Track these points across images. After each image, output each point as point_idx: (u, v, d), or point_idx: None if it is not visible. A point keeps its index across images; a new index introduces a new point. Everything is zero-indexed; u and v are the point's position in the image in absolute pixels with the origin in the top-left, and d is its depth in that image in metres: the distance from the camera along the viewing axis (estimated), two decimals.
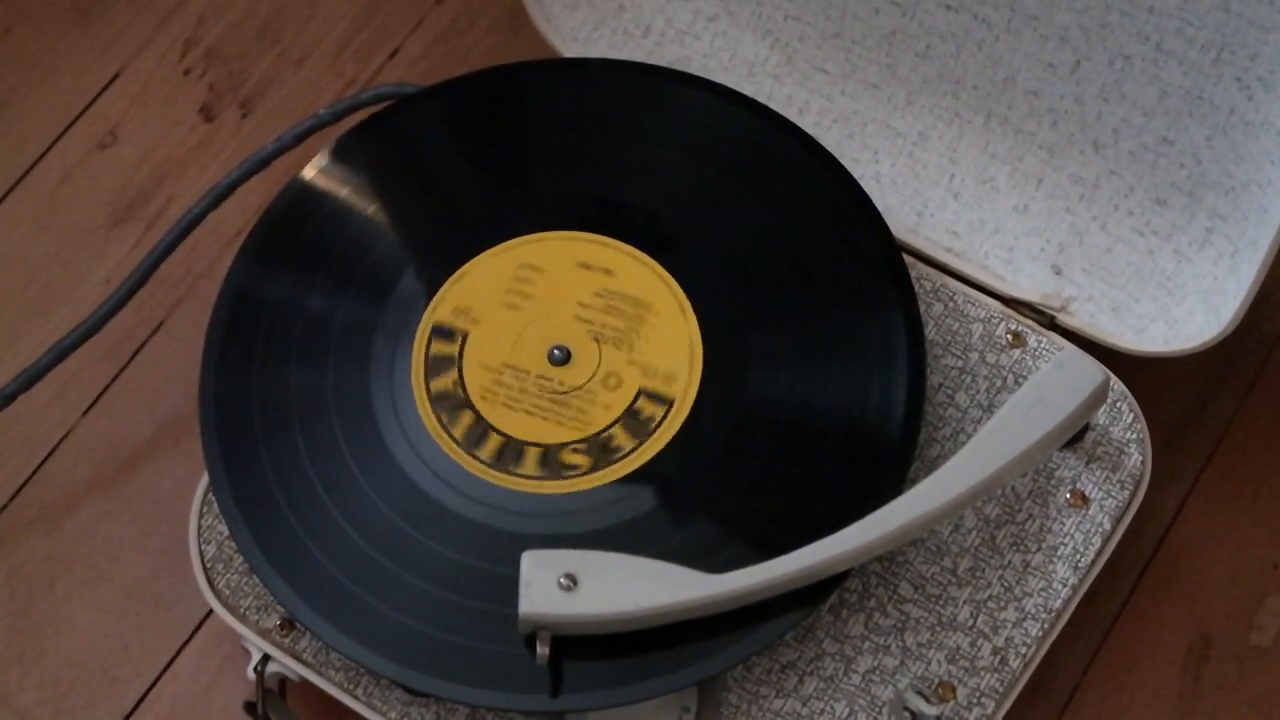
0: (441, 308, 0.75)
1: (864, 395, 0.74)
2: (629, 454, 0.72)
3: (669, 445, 0.72)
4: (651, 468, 0.72)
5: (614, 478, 0.72)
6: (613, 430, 0.73)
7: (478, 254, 0.77)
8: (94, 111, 0.91)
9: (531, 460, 0.72)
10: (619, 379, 0.73)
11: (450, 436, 0.73)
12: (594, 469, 0.72)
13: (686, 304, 0.75)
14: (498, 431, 0.73)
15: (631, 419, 0.73)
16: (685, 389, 0.73)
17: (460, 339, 0.75)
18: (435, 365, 0.74)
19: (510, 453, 0.72)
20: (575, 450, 0.72)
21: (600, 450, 0.72)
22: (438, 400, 0.73)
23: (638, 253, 0.76)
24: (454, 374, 0.74)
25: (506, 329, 0.75)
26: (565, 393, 0.74)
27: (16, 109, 0.91)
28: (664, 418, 0.73)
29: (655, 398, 0.73)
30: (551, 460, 0.72)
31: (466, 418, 0.73)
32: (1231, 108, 0.76)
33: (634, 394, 0.73)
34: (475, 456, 0.72)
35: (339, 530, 0.71)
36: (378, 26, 0.94)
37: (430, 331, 0.75)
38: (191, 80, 0.92)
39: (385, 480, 0.72)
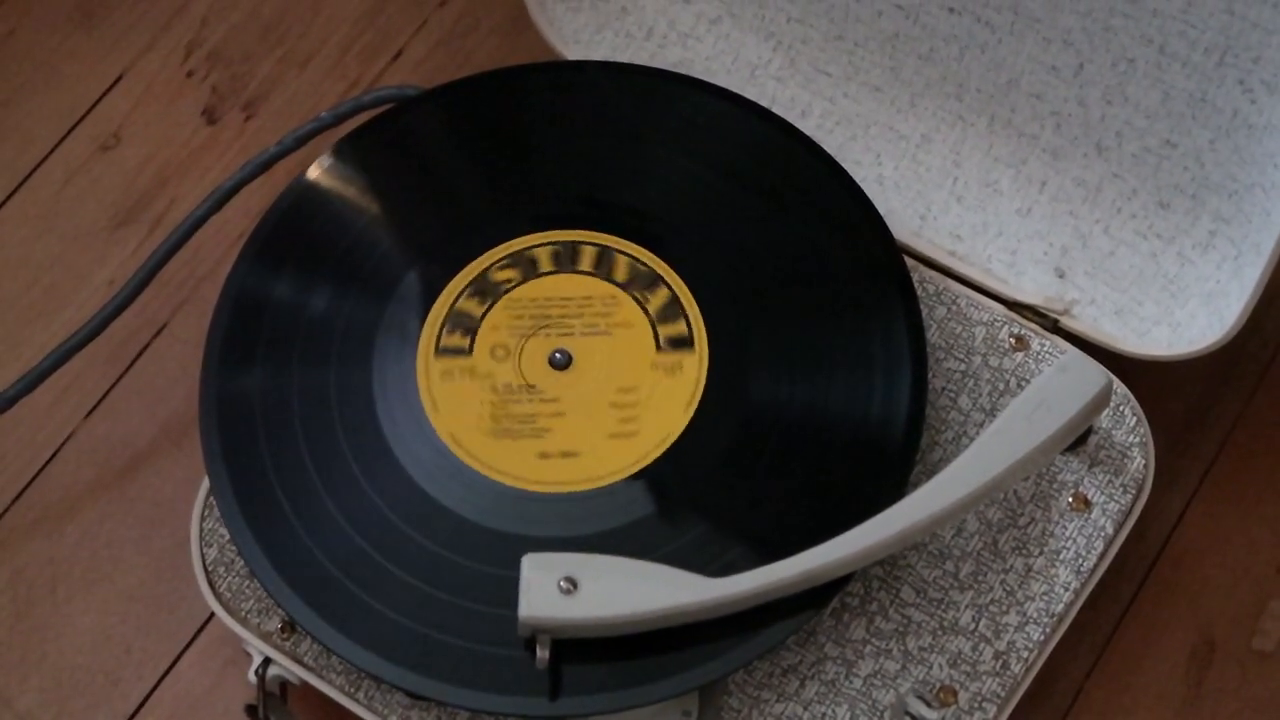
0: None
1: (866, 398, 0.73)
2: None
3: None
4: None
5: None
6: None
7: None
8: (97, 114, 0.92)
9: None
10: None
11: (452, 435, 0.73)
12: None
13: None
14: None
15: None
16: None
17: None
18: (452, 319, 0.75)
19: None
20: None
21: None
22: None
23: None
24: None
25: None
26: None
27: (20, 111, 0.91)
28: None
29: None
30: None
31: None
32: (1235, 111, 0.76)
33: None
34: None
35: (340, 533, 0.71)
36: (381, 29, 0.94)
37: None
38: (194, 83, 0.92)
39: (386, 482, 0.72)
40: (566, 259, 0.76)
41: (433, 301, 0.76)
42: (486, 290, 0.76)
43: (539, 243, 0.77)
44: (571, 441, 0.73)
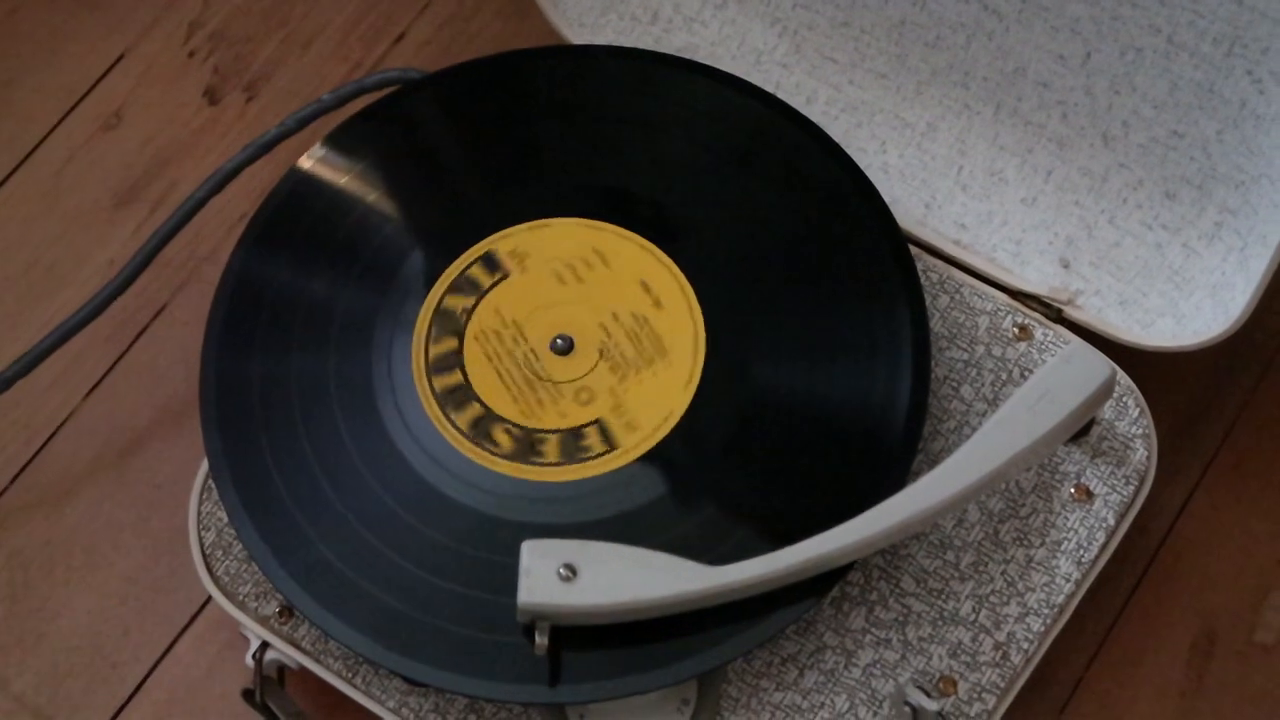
0: (503, 243, 0.75)
1: (869, 387, 0.73)
2: (548, 465, 0.71)
3: (667, 438, 0.72)
4: (655, 457, 0.72)
5: (617, 466, 0.71)
6: (547, 437, 0.72)
7: (481, 239, 0.76)
8: (98, 93, 0.91)
9: (499, 433, 0.72)
10: (590, 397, 0.73)
11: (450, 422, 0.72)
12: (513, 457, 0.71)
13: (692, 295, 0.75)
14: (479, 402, 0.73)
15: (569, 438, 0.72)
16: (640, 440, 0.72)
17: (501, 276, 0.75)
18: (442, 320, 0.74)
19: (482, 428, 0.72)
20: (507, 430, 0.72)
21: (527, 446, 0.72)
22: (436, 364, 0.73)
23: (646, 242, 0.76)
24: (469, 303, 0.74)
25: (540, 294, 0.75)
26: (541, 379, 0.73)
27: (21, 90, 0.91)
28: (598, 455, 0.72)
29: (605, 435, 0.72)
30: (483, 427, 0.72)
31: (455, 377, 0.73)
32: (1242, 101, 0.75)
33: (589, 420, 0.73)
34: (452, 422, 0.72)
35: (338, 518, 0.71)
36: (384, 11, 0.93)
37: (434, 311, 0.74)
38: (196, 63, 0.92)
39: (385, 467, 0.72)
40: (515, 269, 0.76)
41: (431, 285, 0.75)
42: (482, 277, 0.75)
43: (531, 229, 0.76)
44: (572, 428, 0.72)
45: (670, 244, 0.76)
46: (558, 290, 0.75)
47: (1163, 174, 0.79)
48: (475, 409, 0.73)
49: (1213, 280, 0.77)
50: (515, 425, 0.72)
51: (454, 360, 0.74)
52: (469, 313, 0.74)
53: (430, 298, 0.75)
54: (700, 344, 0.74)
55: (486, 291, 0.75)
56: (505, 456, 0.72)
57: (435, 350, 0.74)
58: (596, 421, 0.73)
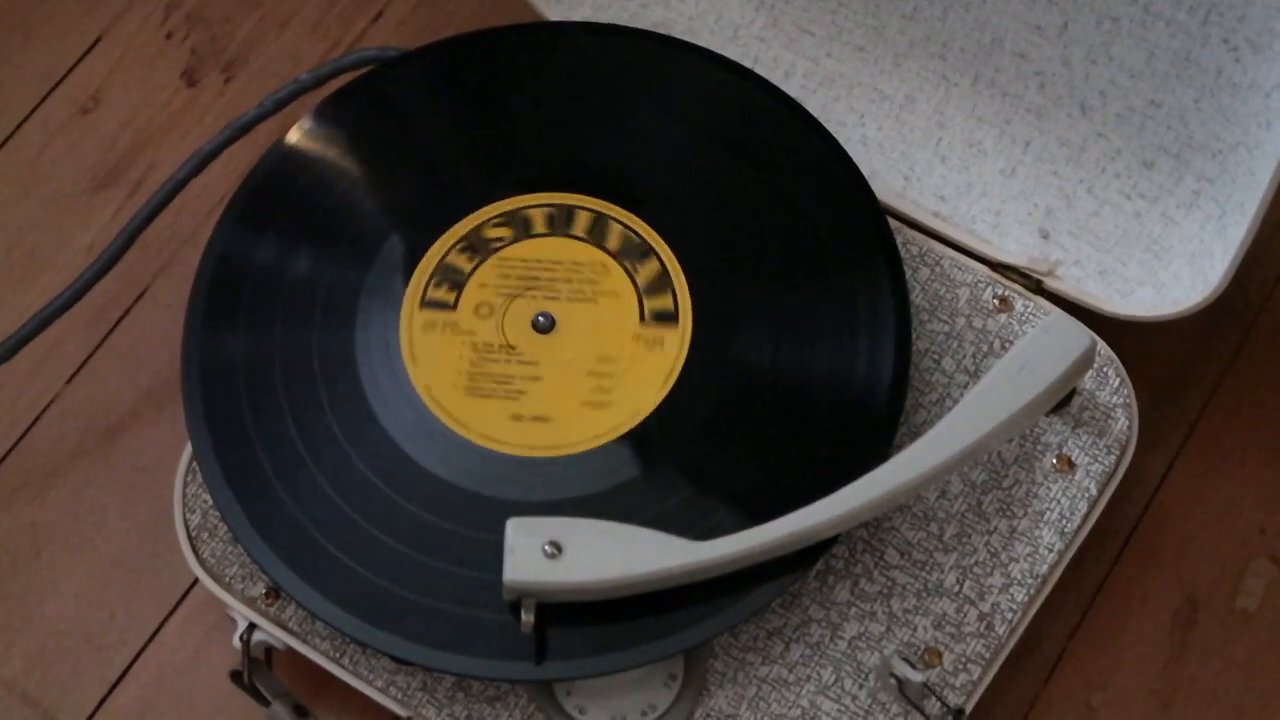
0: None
1: (850, 361, 0.73)
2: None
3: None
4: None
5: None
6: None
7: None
8: (76, 76, 0.91)
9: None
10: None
11: (434, 398, 0.72)
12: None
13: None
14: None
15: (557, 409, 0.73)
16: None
17: (475, 264, 0.75)
18: (441, 271, 0.75)
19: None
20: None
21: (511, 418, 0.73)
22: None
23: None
24: (456, 292, 0.74)
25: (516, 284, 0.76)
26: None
27: None
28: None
29: (595, 405, 0.73)
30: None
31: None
32: (1219, 70, 0.76)
33: (577, 395, 0.73)
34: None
35: (323, 497, 0.71)
36: None
37: (425, 285, 0.75)
38: (174, 44, 0.92)
39: (369, 446, 0.72)
40: (561, 222, 0.76)
41: (415, 264, 0.75)
42: (478, 246, 0.75)
43: (535, 204, 0.76)
44: (544, 406, 0.73)
45: (650, 220, 0.76)
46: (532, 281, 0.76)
47: (1140, 143, 0.79)
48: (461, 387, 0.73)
49: (1191, 249, 0.77)
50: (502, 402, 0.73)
51: (455, 289, 0.74)
52: (469, 273, 0.74)
53: (416, 276, 0.75)
54: (687, 319, 0.74)
55: (482, 262, 0.75)
56: (477, 430, 0.72)
57: (420, 325, 0.74)
58: (586, 395, 0.73)
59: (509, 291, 0.75)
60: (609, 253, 0.76)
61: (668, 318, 0.74)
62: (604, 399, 0.73)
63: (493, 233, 0.76)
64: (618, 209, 0.76)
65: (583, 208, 0.76)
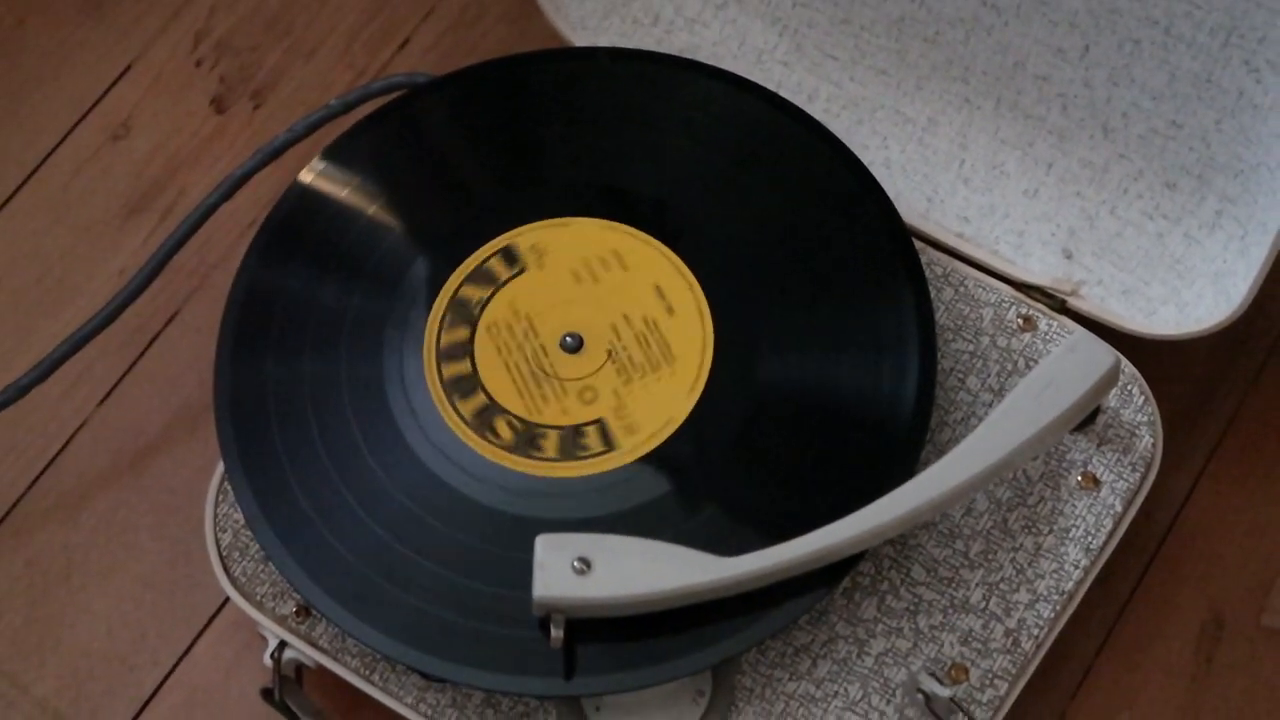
0: (523, 238, 0.76)
1: (875, 380, 0.74)
2: (546, 460, 0.72)
3: (674, 436, 0.72)
4: (666, 452, 0.72)
5: (628, 460, 0.72)
6: (547, 432, 0.73)
7: (489, 241, 0.77)
8: (106, 104, 0.92)
9: (501, 425, 0.73)
10: (594, 396, 0.74)
11: (460, 416, 0.73)
12: (514, 449, 0.72)
13: (700, 292, 0.75)
14: (484, 391, 0.73)
15: (570, 435, 0.73)
16: (639, 444, 0.73)
17: (519, 270, 0.76)
18: (455, 310, 0.75)
19: (487, 418, 0.73)
20: (509, 423, 0.73)
21: (527, 441, 0.72)
22: (446, 354, 0.74)
23: (656, 242, 0.77)
24: (479, 308, 0.75)
25: (555, 291, 0.76)
26: (547, 375, 0.74)
27: (29, 102, 0.92)
28: (597, 454, 0.72)
29: (604, 436, 0.73)
30: (488, 418, 0.73)
31: (464, 367, 0.74)
32: (1240, 91, 0.76)
33: (590, 419, 0.73)
34: (463, 417, 0.73)
35: (353, 516, 0.72)
36: (388, 17, 0.94)
37: (444, 312, 0.75)
38: (203, 72, 0.93)
39: (398, 464, 0.73)
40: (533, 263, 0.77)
41: (439, 288, 0.76)
42: (490, 278, 0.76)
43: (539, 230, 0.77)
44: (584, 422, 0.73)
45: (676, 242, 0.77)
46: (574, 288, 0.76)
47: (1162, 164, 0.80)
48: (480, 399, 0.73)
49: (1214, 268, 0.78)
50: (517, 418, 0.73)
51: (463, 350, 0.75)
52: (483, 304, 0.75)
53: (442, 295, 0.76)
54: (709, 339, 0.75)
55: (503, 284, 0.76)
56: (505, 449, 0.72)
57: (447, 340, 0.75)
58: (598, 421, 0.73)
59: (529, 316, 0.75)
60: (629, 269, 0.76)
61: (690, 322, 0.75)
62: (664, 354, 0.74)
63: (509, 258, 0.76)
64: (642, 233, 0.77)
65: (592, 229, 0.77)
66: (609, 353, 0.75)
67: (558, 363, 0.74)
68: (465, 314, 0.75)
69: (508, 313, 0.75)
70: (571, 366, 0.74)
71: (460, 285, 0.76)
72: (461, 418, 0.73)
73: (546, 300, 0.76)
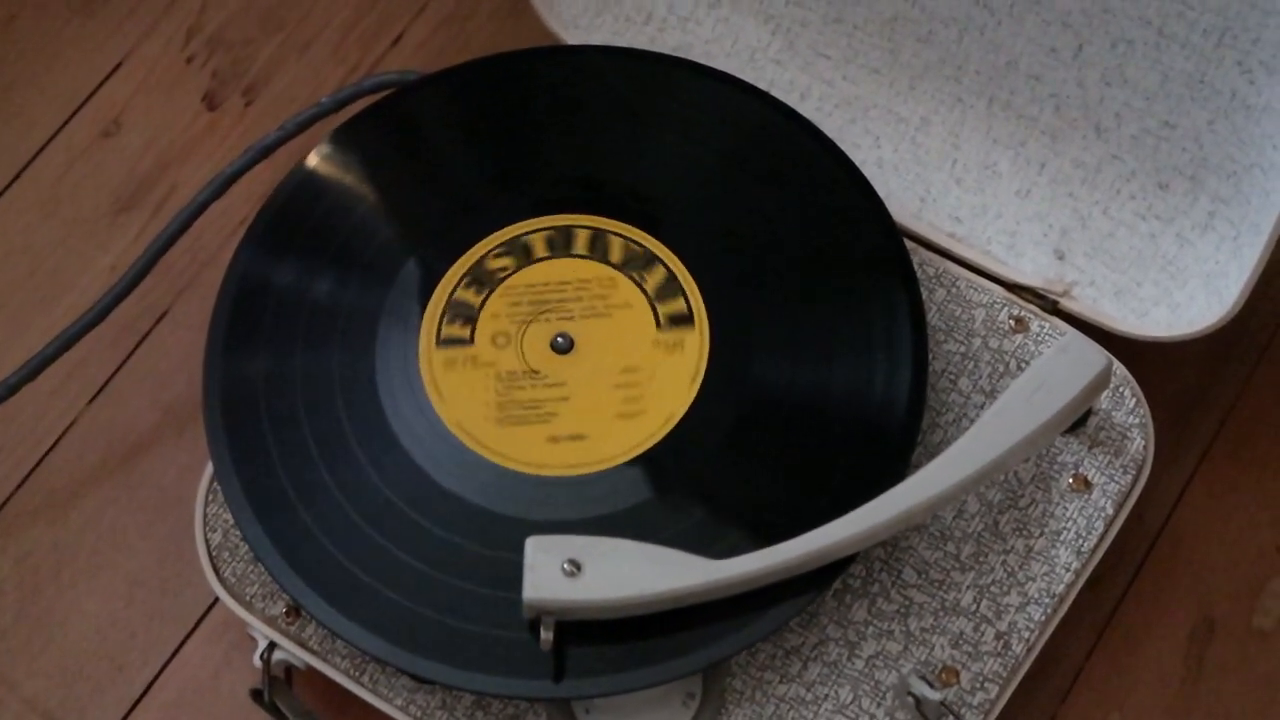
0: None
1: (867, 381, 0.74)
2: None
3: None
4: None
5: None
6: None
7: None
8: (98, 100, 0.92)
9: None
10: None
11: (467, 431, 0.73)
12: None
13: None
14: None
15: (626, 409, 0.73)
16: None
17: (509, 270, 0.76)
18: (453, 309, 0.75)
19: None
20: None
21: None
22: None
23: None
24: (470, 327, 0.75)
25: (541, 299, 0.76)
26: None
27: (20, 97, 0.92)
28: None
29: (623, 415, 0.73)
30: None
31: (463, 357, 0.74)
32: (1233, 91, 0.76)
33: (601, 412, 0.74)
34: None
35: (344, 517, 0.72)
36: (380, 13, 0.94)
37: (443, 309, 0.75)
38: (194, 68, 0.92)
39: (389, 466, 0.72)
40: (561, 244, 0.77)
41: (433, 287, 0.76)
42: (483, 279, 0.76)
43: (533, 229, 0.77)
44: (579, 424, 0.73)
45: (669, 241, 0.76)
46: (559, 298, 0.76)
47: (1155, 165, 0.79)
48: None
49: (1206, 269, 0.78)
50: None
51: (469, 323, 0.75)
52: (480, 307, 0.75)
53: (436, 295, 0.76)
54: (705, 340, 0.74)
55: (494, 291, 0.75)
56: (517, 457, 0.72)
57: (444, 338, 0.75)
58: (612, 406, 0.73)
59: (523, 318, 0.75)
60: (614, 266, 0.76)
61: (683, 320, 0.75)
62: (636, 408, 0.73)
63: (496, 263, 0.76)
64: (626, 225, 0.77)
65: (582, 227, 0.77)
66: (580, 311, 0.75)
67: (552, 368, 0.74)
68: (464, 313, 0.75)
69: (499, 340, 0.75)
70: (565, 368, 0.74)
71: (455, 286, 0.76)
72: (468, 433, 0.73)
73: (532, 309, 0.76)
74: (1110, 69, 0.79)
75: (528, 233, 0.77)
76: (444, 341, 0.75)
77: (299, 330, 0.76)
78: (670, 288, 0.76)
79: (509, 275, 0.76)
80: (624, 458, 0.72)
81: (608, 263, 0.76)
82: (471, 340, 0.75)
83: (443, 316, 0.75)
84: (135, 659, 0.79)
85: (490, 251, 0.76)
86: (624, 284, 0.76)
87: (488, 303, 0.75)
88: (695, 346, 0.74)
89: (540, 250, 0.76)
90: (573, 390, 0.74)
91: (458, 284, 0.76)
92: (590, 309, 0.75)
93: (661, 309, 0.75)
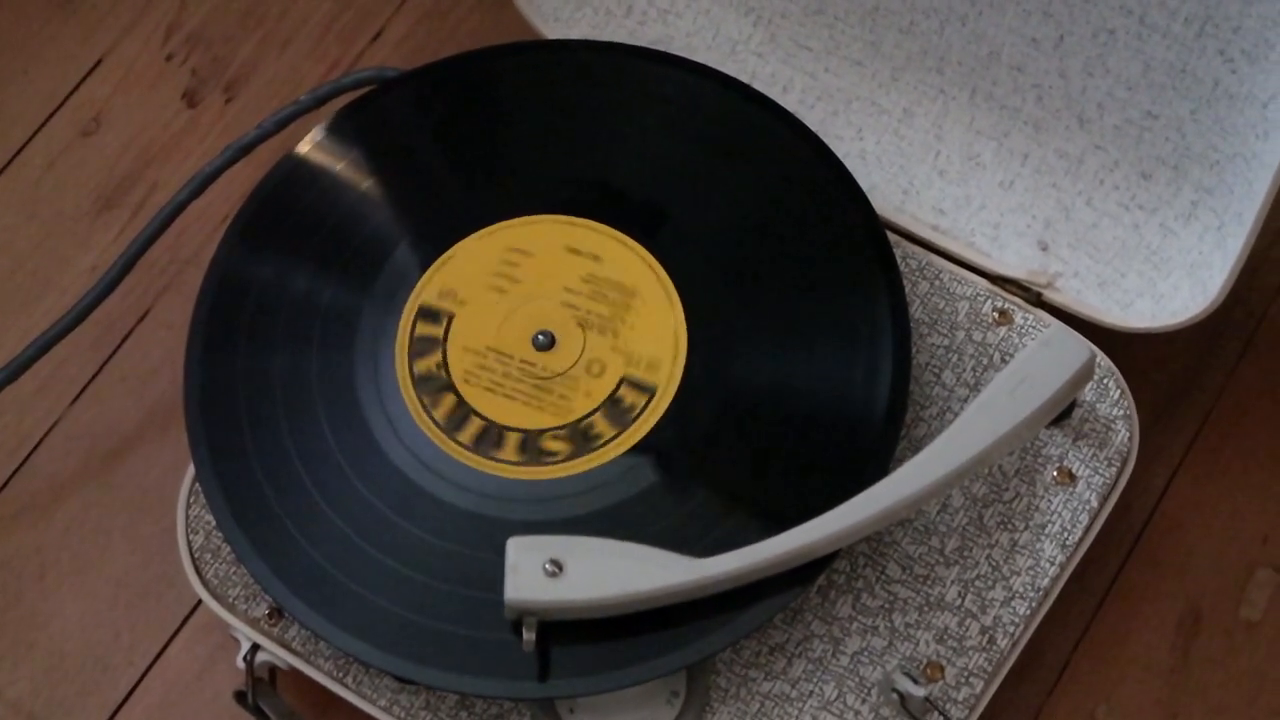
0: (428, 290, 0.75)
1: (850, 375, 0.73)
2: (608, 442, 0.72)
3: (653, 430, 0.72)
4: (638, 451, 0.72)
5: (599, 462, 0.72)
6: (593, 418, 0.72)
7: (464, 237, 0.77)
8: (77, 98, 0.91)
9: (512, 445, 0.72)
10: (602, 366, 0.73)
11: (432, 420, 0.73)
12: (573, 456, 0.72)
13: (671, 287, 0.75)
14: (479, 415, 0.73)
15: (613, 407, 0.73)
16: (669, 375, 0.73)
17: (446, 321, 0.75)
18: (419, 347, 0.74)
19: (490, 437, 0.72)
20: (555, 437, 0.72)
21: (580, 437, 0.72)
22: (421, 383, 0.73)
23: (623, 236, 0.76)
24: (438, 356, 0.74)
25: (492, 312, 0.75)
26: (548, 378, 0.73)
27: None
28: (645, 407, 0.72)
29: (637, 386, 0.73)
30: (531, 446, 0.72)
31: (449, 401, 0.73)
32: (1215, 81, 0.76)
33: (616, 382, 0.73)
34: (456, 440, 0.72)
35: (324, 518, 0.71)
36: (361, 8, 0.93)
37: (415, 314, 0.75)
38: (174, 66, 0.92)
39: (369, 467, 0.72)
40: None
41: (412, 285, 0.75)
42: (436, 314, 0.76)
43: (522, 227, 0.77)
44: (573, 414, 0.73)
45: (649, 237, 0.76)
46: (503, 300, 0.75)
47: (1138, 155, 0.79)
48: (478, 424, 0.73)
49: (1190, 260, 0.77)
50: (561, 428, 0.73)
51: (435, 348, 0.74)
52: (444, 367, 0.74)
53: (414, 297, 0.75)
54: (681, 336, 0.74)
55: (445, 342, 0.75)
56: (472, 449, 0.72)
57: (419, 344, 0.74)
58: (622, 380, 0.73)
59: (505, 312, 0.75)
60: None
61: (664, 335, 0.75)
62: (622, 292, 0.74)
63: (439, 302, 0.76)
64: (613, 229, 0.77)
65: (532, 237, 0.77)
66: (580, 324, 0.74)
67: (546, 363, 0.74)
68: (436, 318, 0.75)
69: (470, 358, 0.74)
70: (559, 359, 0.74)
71: (431, 284, 0.75)
72: (433, 419, 0.73)
73: (493, 324, 0.75)
74: (1092, 59, 0.78)
75: (515, 229, 0.76)
76: (422, 334, 0.74)
77: (279, 329, 0.75)
78: (650, 283, 0.75)
79: (453, 317, 0.75)
80: (601, 459, 0.71)
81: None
82: (449, 334, 0.74)
83: (423, 309, 0.75)
84: (119, 661, 0.79)
85: (421, 305, 0.75)
86: (613, 285, 0.75)
87: (469, 297, 0.75)
88: (674, 347, 0.74)
89: (529, 249, 0.76)
90: (549, 388, 0.73)
91: (440, 275, 0.75)
92: (574, 308, 0.75)
93: (605, 265, 0.75)
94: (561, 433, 0.72)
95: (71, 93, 0.91)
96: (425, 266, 0.76)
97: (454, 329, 0.75)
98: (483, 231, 0.77)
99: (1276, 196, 0.71)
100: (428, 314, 0.75)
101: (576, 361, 0.74)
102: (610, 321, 0.74)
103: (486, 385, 0.73)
